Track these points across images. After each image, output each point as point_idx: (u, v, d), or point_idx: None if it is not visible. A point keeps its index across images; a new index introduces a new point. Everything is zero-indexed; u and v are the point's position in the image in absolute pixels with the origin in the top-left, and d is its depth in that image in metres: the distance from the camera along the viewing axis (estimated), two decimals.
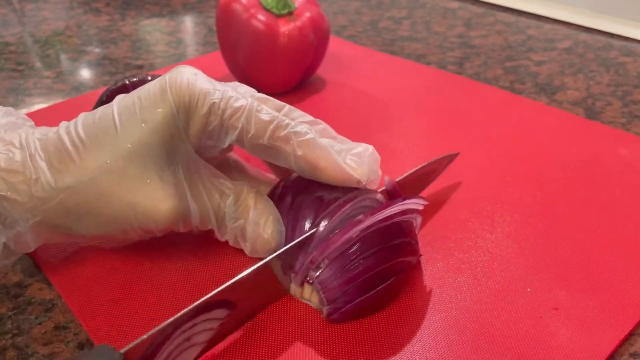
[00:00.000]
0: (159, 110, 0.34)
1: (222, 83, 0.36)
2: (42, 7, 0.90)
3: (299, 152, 0.35)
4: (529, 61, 0.71)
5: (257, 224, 0.36)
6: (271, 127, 0.34)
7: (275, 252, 0.35)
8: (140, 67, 0.69)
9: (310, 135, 0.35)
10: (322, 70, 0.66)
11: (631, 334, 0.35)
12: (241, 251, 0.39)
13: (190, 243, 0.41)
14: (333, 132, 0.38)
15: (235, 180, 0.38)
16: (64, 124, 0.36)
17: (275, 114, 0.35)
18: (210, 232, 0.38)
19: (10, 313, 0.37)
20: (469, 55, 0.73)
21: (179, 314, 0.29)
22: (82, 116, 0.36)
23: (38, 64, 0.71)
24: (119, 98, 0.35)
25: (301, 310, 0.36)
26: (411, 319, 0.35)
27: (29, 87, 0.65)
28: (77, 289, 0.37)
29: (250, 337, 0.34)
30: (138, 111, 0.34)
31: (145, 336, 0.28)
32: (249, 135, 0.34)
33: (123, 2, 0.91)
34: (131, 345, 0.27)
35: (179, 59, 0.72)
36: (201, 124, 0.34)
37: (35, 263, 0.40)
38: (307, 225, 0.35)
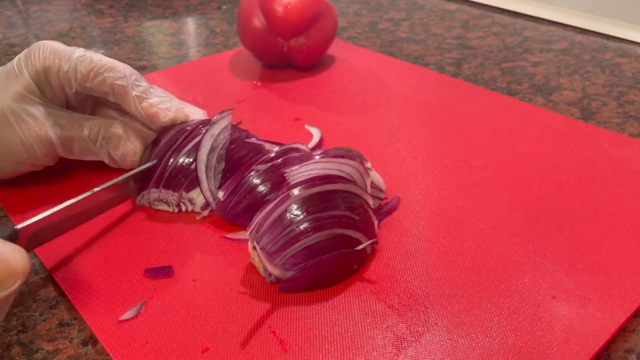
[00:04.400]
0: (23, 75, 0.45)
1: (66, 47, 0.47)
2: (47, 9, 0.91)
3: (114, 97, 0.47)
4: (525, 62, 0.72)
5: (128, 138, 0.47)
6: (91, 74, 0.46)
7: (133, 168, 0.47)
8: (144, 68, 0.71)
9: (122, 82, 0.46)
10: (322, 68, 0.67)
11: (626, 331, 0.36)
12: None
13: (196, 241, 0.42)
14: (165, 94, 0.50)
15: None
16: None
17: (97, 60, 0.46)
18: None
19: (15, 310, 0.37)
20: (467, 57, 0.74)
21: (75, 200, 0.40)
22: None
23: None
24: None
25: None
26: (411, 311, 0.36)
27: None
28: (81, 286, 0.39)
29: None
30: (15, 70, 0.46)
31: (41, 216, 0.37)
32: (78, 81, 0.46)
33: (126, 4, 0.92)
34: (27, 222, 0.37)
35: (182, 60, 0.73)
36: (57, 82, 0.46)
37: (40, 261, 0.41)
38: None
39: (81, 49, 0.47)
